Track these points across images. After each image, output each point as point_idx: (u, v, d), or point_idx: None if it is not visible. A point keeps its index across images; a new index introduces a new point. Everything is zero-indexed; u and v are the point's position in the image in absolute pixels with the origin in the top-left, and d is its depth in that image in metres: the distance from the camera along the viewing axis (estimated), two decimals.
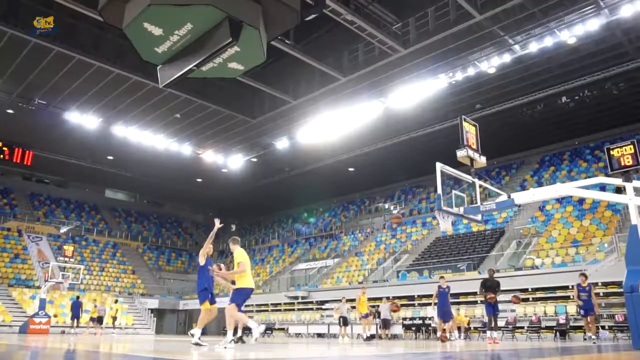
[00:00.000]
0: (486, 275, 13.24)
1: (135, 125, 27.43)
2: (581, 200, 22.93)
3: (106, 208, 42.26)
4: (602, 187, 18.65)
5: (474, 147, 10.17)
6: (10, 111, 25.57)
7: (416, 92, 21.91)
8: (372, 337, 9.46)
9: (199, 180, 37.09)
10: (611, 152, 9.96)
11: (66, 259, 25.83)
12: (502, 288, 14.43)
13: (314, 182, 35.02)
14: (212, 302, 8.50)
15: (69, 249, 26.30)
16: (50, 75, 22.30)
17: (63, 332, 20.21)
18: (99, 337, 17.30)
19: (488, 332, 12.66)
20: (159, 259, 39.42)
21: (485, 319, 18.47)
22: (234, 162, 31.94)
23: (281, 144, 28.85)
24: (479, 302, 19.55)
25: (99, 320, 22.97)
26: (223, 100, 24.94)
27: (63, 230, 36.04)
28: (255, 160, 31.91)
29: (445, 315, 13.61)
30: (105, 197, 43.07)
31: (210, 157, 31.42)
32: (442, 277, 14.55)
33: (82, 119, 26.05)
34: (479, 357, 5.28)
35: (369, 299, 22.28)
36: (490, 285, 12.38)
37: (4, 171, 36.20)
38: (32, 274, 30.51)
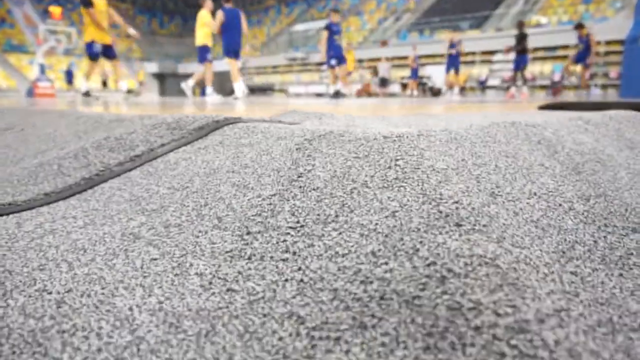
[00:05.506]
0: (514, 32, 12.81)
1: None
2: None
3: None
4: None
5: None
6: None
7: None
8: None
9: None
10: None
11: (55, 21, 24.87)
12: (502, 47, 14.36)
13: None
14: None
15: (55, 11, 24.98)
16: None
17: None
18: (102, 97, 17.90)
19: (524, 88, 12.39)
20: (151, 23, 38.10)
21: (482, 78, 19.06)
22: None
23: None
24: (476, 62, 19.69)
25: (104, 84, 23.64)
26: None
27: None
28: None
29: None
30: None
31: None
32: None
33: None
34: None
35: (369, 60, 22.41)
36: (521, 37, 12.09)
37: None
38: (24, 40, 29.89)
